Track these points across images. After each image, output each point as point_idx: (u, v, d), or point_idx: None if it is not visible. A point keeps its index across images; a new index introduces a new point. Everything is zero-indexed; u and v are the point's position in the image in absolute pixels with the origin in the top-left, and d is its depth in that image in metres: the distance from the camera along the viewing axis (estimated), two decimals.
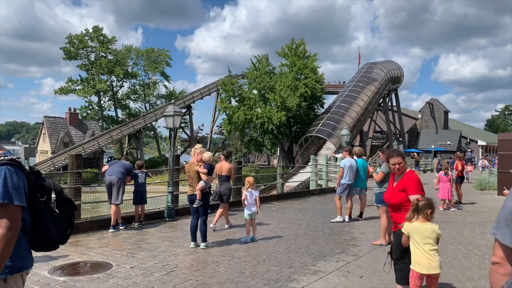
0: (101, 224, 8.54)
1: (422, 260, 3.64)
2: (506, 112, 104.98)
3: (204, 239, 6.97)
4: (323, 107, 48.04)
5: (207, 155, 7.37)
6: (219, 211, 8.83)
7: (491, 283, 1.69)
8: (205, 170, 6.97)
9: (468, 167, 22.24)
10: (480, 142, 67.12)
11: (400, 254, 4.00)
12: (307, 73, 43.34)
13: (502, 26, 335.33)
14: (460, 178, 13.55)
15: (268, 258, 6.32)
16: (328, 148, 40.44)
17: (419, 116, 69.96)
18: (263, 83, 43.55)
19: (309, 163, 22.78)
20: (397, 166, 4.27)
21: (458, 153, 15.53)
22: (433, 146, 50.74)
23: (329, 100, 56.00)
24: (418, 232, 3.68)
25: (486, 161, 29.84)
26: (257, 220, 9.83)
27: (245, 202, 7.48)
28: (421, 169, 32.33)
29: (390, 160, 4.31)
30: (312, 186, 18.81)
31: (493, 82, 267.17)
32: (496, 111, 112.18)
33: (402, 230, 3.79)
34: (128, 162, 9.09)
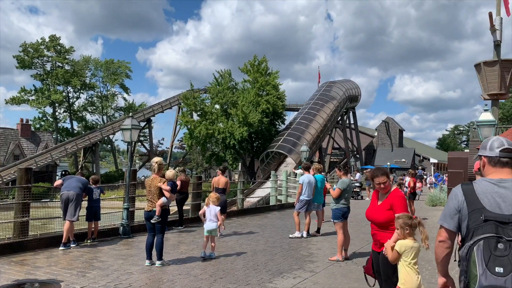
0: (51, 241, 8.12)
1: (413, 278, 3.68)
2: (456, 132, 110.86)
3: (160, 257, 6.78)
4: (284, 124, 48.78)
5: (170, 172, 7.26)
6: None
7: (436, 254, 2.51)
8: (169, 188, 6.81)
9: (418, 184, 23.17)
10: (432, 160, 70.38)
11: (392, 273, 3.90)
12: (269, 90, 43.99)
13: (452, 50, 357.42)
14: (413, 195, 14.09)
15: (226, 276, 6.24)
16: (288, 164, 40.90)
17: (376, 134, 72.54)
18: (226, 98, 43.69)
19: (270, 179, 22.92)
20: (381, 185, 4.27)
21: (410, 170, 16.18)
22: (388, 163, 52.60)
23: (290, 116, 57.07)
24: (409, 251, 3.69)
25: (433, 178, 31.21)
26: (215, 237, 9.73)
27: (203, 218, 7.37)
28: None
29: (375, 180, 4.29)
30: (272, 202, 18.91)
31: (444, 103, 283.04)
32: (446, 130, 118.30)
33: (396, 248, 3.71)
34: (84, 178, 8.78)
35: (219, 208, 7.53)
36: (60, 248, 7.84)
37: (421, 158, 71.98)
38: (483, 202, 2.24)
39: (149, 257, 6.80)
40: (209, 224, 7.31)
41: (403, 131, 75.84)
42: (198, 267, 6.72)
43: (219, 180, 10.15)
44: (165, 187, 6.77)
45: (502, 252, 2.08)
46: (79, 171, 9.38)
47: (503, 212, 2.18)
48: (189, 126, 43.91)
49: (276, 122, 47.91)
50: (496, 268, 2.07)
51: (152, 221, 6.72)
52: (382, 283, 4.11)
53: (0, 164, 42.09)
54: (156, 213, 6.67)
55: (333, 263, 7.26)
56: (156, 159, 7.26)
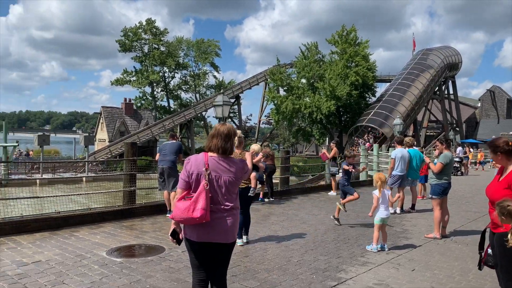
0: (155, 209, 8.89)
1: None
2: None
3: (247, 231, 6.73)
4: (374, 96, 46.66)
5: (256, 146, 7.31)
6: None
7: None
8: (261, 158, 6.75)
9: None
10: None
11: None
12: (358, 61, 42.18)
13: None
14: None
15: (316, 248, 6.29)
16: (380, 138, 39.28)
17: (479, 104, 66.01)
18: (312, 72, 42.97)
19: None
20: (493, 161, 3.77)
21: None
22: (493, 137, 47.70)
23: (381, 88, 54.35)
24: None
25: None
26: (305, 210, 9.82)
27: (377, 203, 6.34)
28: (472, 161, 29.15)
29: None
30: (362, 177, 18.43)
31: None
32: None
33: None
34: (176, 141, 8.89)
35: (390, 191, 6.72)
36: (167, 215, 8.47)
37: None
38: None
39: (241, 235, 6.53)
40: (386, 212, 6.36)
41: None
42: (289, 238, 6.86)
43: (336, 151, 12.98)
44: (258, 158, 6.68)
45: None
46: (170, 133, 9.57)
47: None
48: (275, 102, 44.20)
49: (366, 95, 45.95)
50: None
51: (250, 194, 6.59)
52: (497, 268, 3.55)
53: (108, 139, 46.87)
54: (253, 186, 6.69)
55: (430, 240, 6.90)
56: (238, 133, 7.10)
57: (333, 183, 12.85)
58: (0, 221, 6.82)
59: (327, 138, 47.73)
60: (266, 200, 10.93)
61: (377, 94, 46.76)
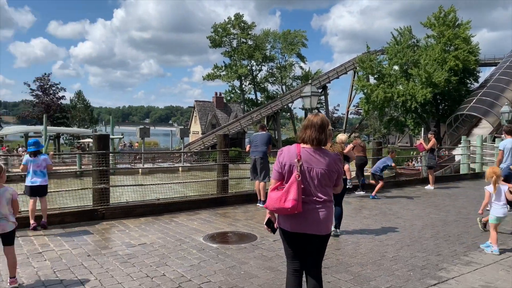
0: (245, 198, 9.17)
1: None
2: None
3: (339, 224, 6.54)
4: (477, 82, 42.51)
5: (343, 136, 7.16)
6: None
7: None
8: (351, 147, 6.73)
9: None
10: None
11: None
12: (458, 44, 38.70)
13: None
14: None
15: (413, 244, 5.96)
16: (484, 128, 35.91)
17: None
18: (405, 58, 40.50)
19: (460, 145, 20.60)
20: None
21: None
22: None
23: (485, 73, 49.35)
24: None
25: None
26: (399, 204, 9.36)
27: (489, 199, 5.79)
28: None
29: None
30: (463, 170, 17.02)
31: None
32: None
33: None
34: (265, 132, 8.94)
35: (507, 187, 5.89)
36: (258, 204, 8.67)
37: None
38: None
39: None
40: (503, 210, 5.71)
41: None
42: (382, 232, 6.60)
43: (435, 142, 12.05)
44: (348, 149, 6.58)
45: None
46: (259, 125, 9.66)
47: None
48: (365, 91, 42.53)
49: (467, 81, 42.05)
50: None
51: (348, 186, 6.49)
52: None
53: (201, 131, 49.39)
54: (348, 178, 6.54)
55: None
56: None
57: (430, 176, 12.02)
58: (111, 206, 7.58)
59: (423, 128, 44.79)
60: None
61: (480, 80, 42.57)
